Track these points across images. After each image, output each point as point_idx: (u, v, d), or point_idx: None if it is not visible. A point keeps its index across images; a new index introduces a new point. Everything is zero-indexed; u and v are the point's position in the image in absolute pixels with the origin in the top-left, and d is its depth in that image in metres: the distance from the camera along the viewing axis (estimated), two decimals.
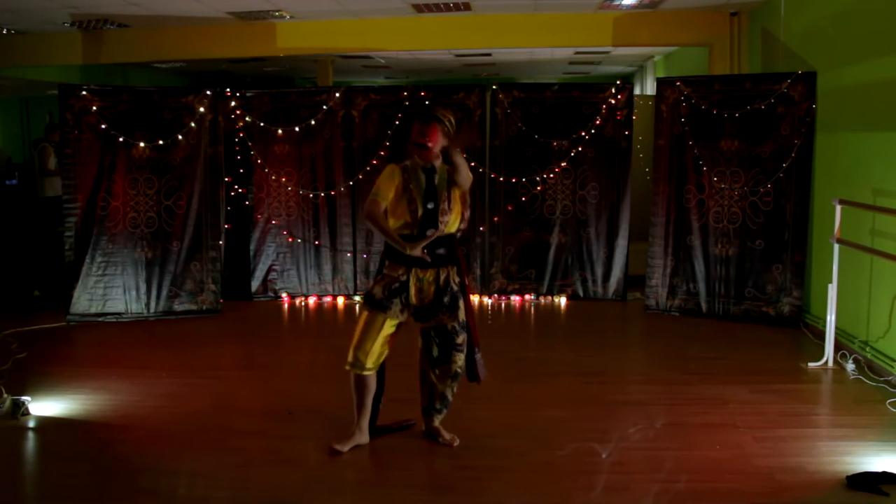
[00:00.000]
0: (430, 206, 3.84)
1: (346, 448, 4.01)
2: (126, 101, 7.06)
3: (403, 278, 3.88)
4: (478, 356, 4.09)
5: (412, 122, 3.93)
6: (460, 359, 4.02)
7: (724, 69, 8.04)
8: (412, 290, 3.89)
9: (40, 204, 9.18)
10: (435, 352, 4.04)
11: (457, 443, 4.10)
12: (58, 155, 8.66)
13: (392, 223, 3.87)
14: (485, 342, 6.16)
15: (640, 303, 7.46)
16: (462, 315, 3.97)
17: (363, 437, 4.09)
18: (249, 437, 4.30)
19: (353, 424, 4.08)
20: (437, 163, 3.91)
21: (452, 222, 3.93)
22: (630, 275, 7.67)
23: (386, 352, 4.01)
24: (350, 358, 3.96)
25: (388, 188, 3.85)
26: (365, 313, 3.94)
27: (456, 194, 3.94)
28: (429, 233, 3.83)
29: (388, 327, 3.93)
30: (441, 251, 3.89)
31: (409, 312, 3.93)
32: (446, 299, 3.92)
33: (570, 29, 8.42)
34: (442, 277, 3.92)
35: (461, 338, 3.99)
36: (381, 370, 4.10)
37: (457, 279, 3.98)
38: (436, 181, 3.89)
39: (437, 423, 4.15)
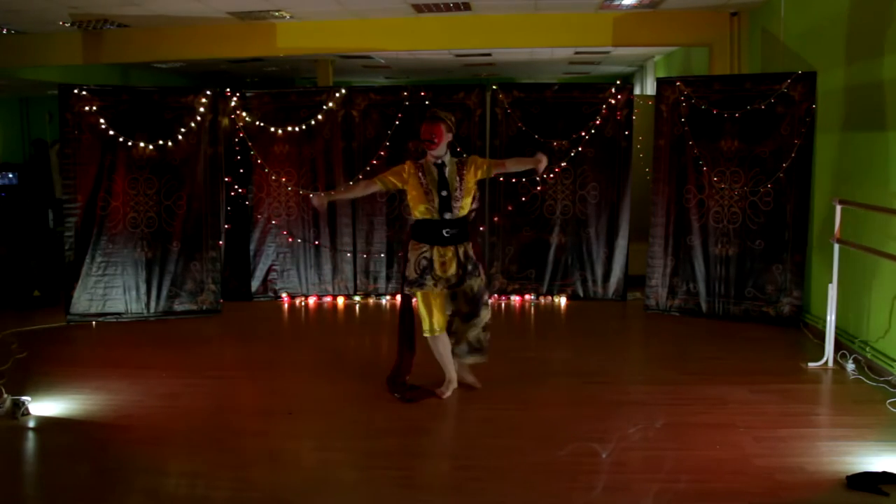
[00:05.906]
0: (443, 193, 4.65)
1: (448, 392, 4.84)
2: (126, 101, 7.06)
3: (427, 254, 4.67)
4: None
5: (421, 124, 4.70)
6: (487, 313, 4.85)
7: (724, 69, 8.04)
8: (436, 265, 4.67)
9: (56, 205, 9.08)
10: (465, 309, 4.83)
11: (479, 385, 5.00)
12: (58, 155, 8.64)
13: (420, 209, 4.68)
14: None
15: (640, 303, 7.46)
16: (483, 279, 4.84)
17: (454, 382, 4.91)
18: (249, 437, 4.30)
19: (446, 374, 4.89)
20: (446, 158, 4.72)
21: (464, 207, 4.71)
22: (630, 275, 7.67)
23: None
24: (426, 327, 4.78)
25: (394, 177, 4.73)
26: (418, 294, 4.76)
27: (468, 183, 4.70)
28: (445, 232, 4.67)
29: (436, 296, 4.75)
30: (455, 231, 4.69)
31: (443, 284, 4.72)
32: (469, 267, 4.75)
33: (570, 29, 8.42)
34: (461, 252, 4.73)
35: (486, 296, 4.87)
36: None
37: (472, 252, 4.77)
38: (446, 173, 4.69)
39: (469, 362, 4.97)
